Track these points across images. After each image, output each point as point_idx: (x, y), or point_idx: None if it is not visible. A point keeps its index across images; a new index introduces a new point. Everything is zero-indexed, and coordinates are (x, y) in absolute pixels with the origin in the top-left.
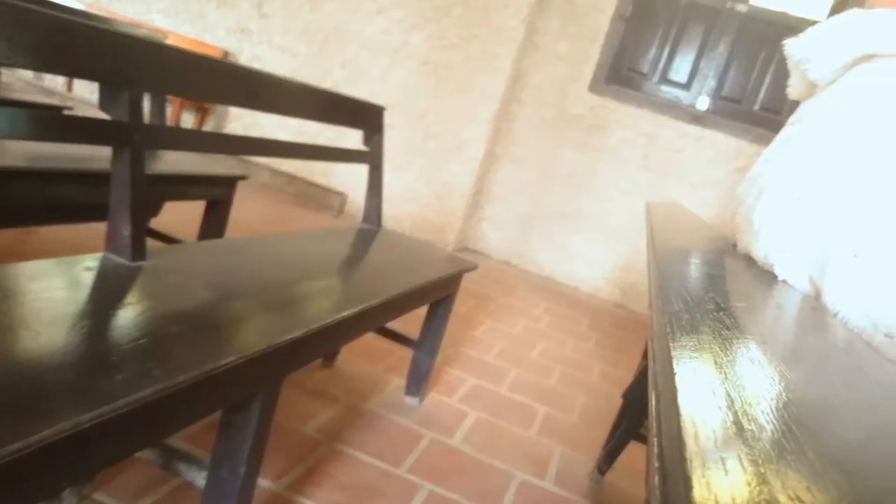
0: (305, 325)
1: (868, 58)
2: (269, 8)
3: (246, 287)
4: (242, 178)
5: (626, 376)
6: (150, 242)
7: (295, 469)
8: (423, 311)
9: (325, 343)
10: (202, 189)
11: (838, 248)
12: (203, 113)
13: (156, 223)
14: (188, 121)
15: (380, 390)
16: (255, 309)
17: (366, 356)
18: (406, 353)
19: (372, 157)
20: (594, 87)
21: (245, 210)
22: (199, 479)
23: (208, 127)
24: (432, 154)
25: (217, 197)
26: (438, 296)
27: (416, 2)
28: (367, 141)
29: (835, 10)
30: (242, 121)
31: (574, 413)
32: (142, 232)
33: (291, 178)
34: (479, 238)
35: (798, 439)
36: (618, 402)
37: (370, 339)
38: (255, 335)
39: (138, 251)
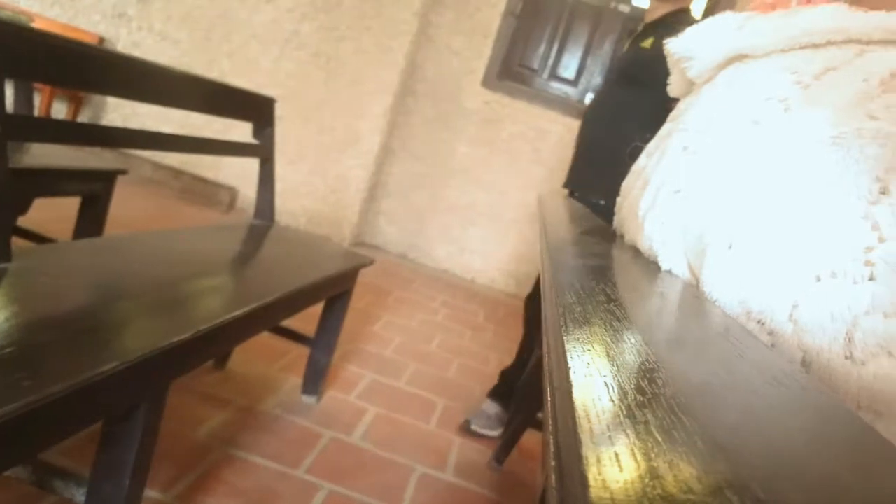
0: (193, 327)
1: (740, 58)
2: None
3: (127, 288)
4: (122, 172)
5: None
6: (19, 242)
7: (186, 477)
8: (319, 308)
9: (215, 345)
10: (76, 184)
11: (714, 239)
12: (77, 103)
13: (24, 221)
14: (60, 111)
15: (275, 391)
16: (137, 311)
17: (260, 356)
18: (302, 352)
19: (263, 150)
20: (487, 83)
21: (126, 206)
22: (79, 495)
23: (83, 118)
24: (326, 147)
25: (94, 192)
26: (334, 292)
27: None
28: (257, 133)
29: (708, 13)
30: (121, 111)
31: (472, 404)
32: (7, 231)
33: (177, 173)
34: (375, 232)
35: (687, 429)
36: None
37: (264, 338)
38: (137, 339)
39: (3, 252)
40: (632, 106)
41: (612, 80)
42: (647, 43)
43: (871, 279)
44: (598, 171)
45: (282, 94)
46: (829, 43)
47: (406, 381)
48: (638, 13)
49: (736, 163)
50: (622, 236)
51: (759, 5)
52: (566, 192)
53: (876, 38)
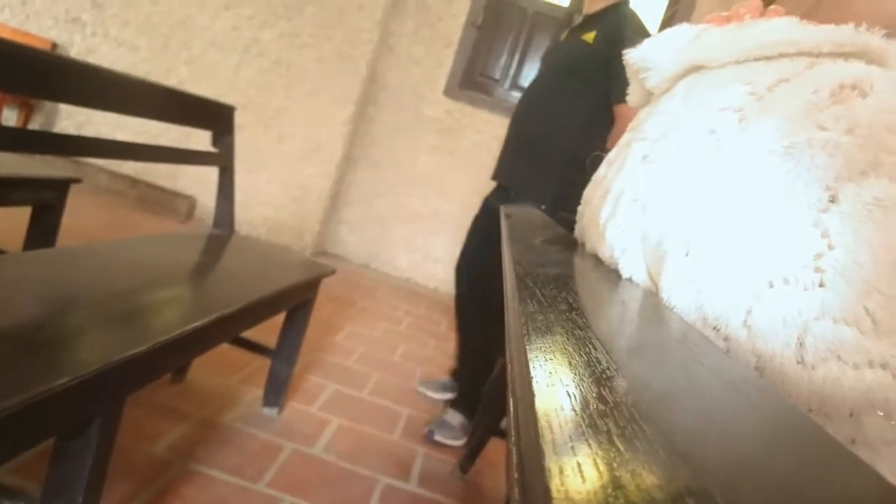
0: (150, 339)
1: (697, 69)
2: None
3: (81, 300)
4: (76, 181)
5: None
6: None
7: (142, 493)
8: (280, 318)
9: (173, 357)
10: (27, 193)
11: (672, 247)
12: (28, 110)
13: None
14: (10, 118)
15: (235, 403)
16: (91, 324)
17: (220, 368)
18: (263, 363)
19: (222, 158)
20: (449, 92)
21: (79, 216)
22: None
23: (35, 125)
24: (287, 156)
25: (45, 202)
26: (296, 302)
27: None
28: (216, 142)
29: (665, 25)
30: (74, 119)
31: (436, 414)
32: None
33: (133, 182)
34: (337, 241)
35: (648, 437)
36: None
37: (224, 350)
38: (91, 352)
39: None
40: (575, 100)
41: (552, 73)
42: (590, 37)
43: (821, 285)
44: (541, 173)
45: (242, 102)
46: (782, 55)
47: (369, 392)
48: None
49: (693, 172)
50: (583, 245)
51: (714, 18)
52: (495, 184)
53: (825, 51)
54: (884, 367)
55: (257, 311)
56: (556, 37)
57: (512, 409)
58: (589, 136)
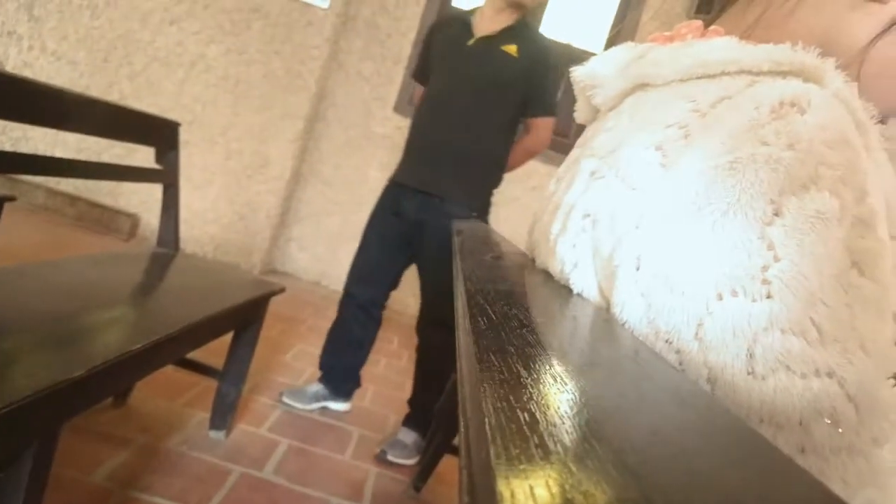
0: (88, 363)
1: (642, 86)
2: (42, 10)
3: (15, 322)
4: (10, 199)
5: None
6: None
7: None
8: (227, 338)
9: (113, 381)
10: None
11: (623, 261)
12: None
13: None
14: None
15: (180, 427)
16: (25, 347)
17: (164, 391)
18: (210, 385)
19: (166, 175)
20: (399, 108)
21: (14, 236)
22: None
23: None
24: (235, 173)
25: None
26: (244, 321)
27: (213, 14)
28: (159, 158)
29: (610, 43)
30: (10, 135)
31: (388, 432)
32: None
33: (72, 199)
34: (287, 259)
35: (600, 456)
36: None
37: (169, 372)
38: (24, 378)
39: None
40: (497, 111)
41: (473, 82)
42: (512, 49)
43: (768, 297)
44: (471, 181)
45: (187, 118)
46: (723, 73)
47: (320, 412)
48: None
49: (641, 186)
50: (534, 260)
51: (658, 37)
52: (415, 188)
53: (765, 69)
54: (830, 375)
55: (203, 331)
56: (455, 38)
57: (463, 430)
58: (507, 147)
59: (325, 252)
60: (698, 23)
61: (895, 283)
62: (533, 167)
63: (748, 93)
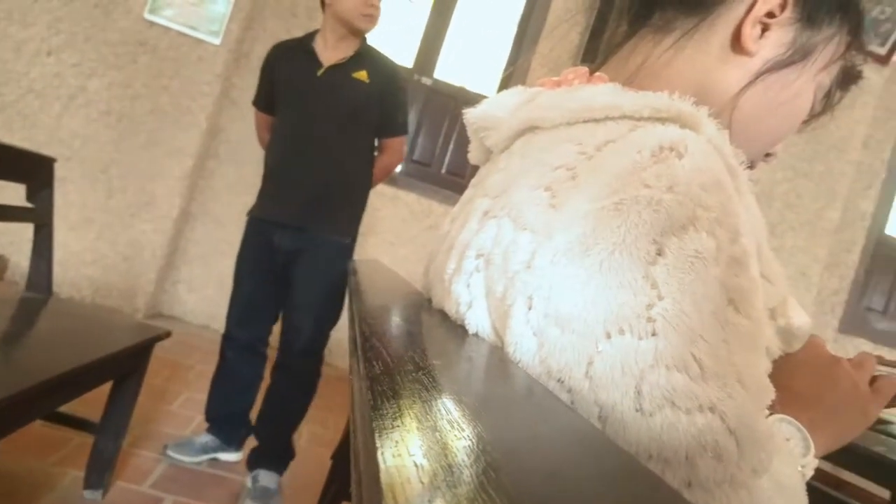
0: None
1: (532, 129)
2: None
3: None
4: None
5: (335, 436)
6: None
7: None
8: (106, 388)
9: None
10: None
11: (515, 301)
12: None
13: None
14: None
15: (51, 488)
16: None
17: (32, 449)
18: (85, 440)
19: (38, 214)
20: None
21: None
22: None
23: None
24: (117, 212)
25: None
26: (124, 369)
27: (96, 46)
28: (31, 196)
29: (503, 84)
30: None
31: (283, 481)
32: None
33: None
34: (174, 302)
35: None
36: (327, 464)
37: (37, 428)
38: None
39: None
40: (358, 139)
41: (331, 113)
42: (363, 75)
43: (653, 334)
44: (342, 212)
45: (65, 154)
46: (607, 118)
47: (208, 464)
48: (440, 86)
49: (532, 226)
50: (430, 300)
51: (546, 82)
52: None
53: (645, 115)
54: (712, 410)
55: (75, 381)
56: (302, 68)
57: (355, 484)
58: (370, 169)
59: (216, 294)
60: (584, 69)
61: (766, 320)
62: (429, 206)
63: (630, 137)
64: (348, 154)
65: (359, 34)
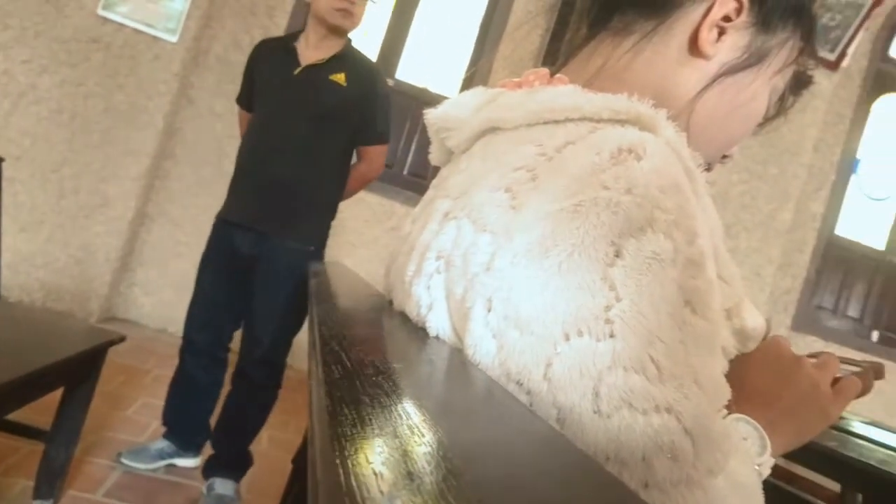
0: None
1: (493, 130)
2: None
3: None
4: None
5: (296, 440)
6: None
7: None
8: (57, 395)
9: None
10: None
11: (474, 303)
12: None
13: None
14: None
15: None
16: None
17: None
18: (35, 448)
19: None
20: None
21: None
22: None
23: None
24: (69, 213)
25: None
26: (76, 375)
27: (47, 42)
28: None
29: (465, 84)
30: None
31: (242, 486)
32: None
33: None
34: (129, 305)
35: None
36: (288, 468)
37: None
38: None
39: None
40: (330, 142)
41: (302, 114)
42: (340, 78)
43: (611, 336)
44: (307, 216)
45: (14, 153)
46: (567, 119)
47: (165, 470)
48: (402, 87)
49: (492, 228)
50: (391, 302)
51: (507, 84)
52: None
53: (605, 117)
54: (668, 410)
55: (25, 388)
56: (280, 66)
57: (312, 492)
58: (343, 177)
59: (173, 297)
60: (545, 71)
61: (723, 320)
62: (391, 207)
63: (590, 139)
64: (319, 158)
65: (339, 33)
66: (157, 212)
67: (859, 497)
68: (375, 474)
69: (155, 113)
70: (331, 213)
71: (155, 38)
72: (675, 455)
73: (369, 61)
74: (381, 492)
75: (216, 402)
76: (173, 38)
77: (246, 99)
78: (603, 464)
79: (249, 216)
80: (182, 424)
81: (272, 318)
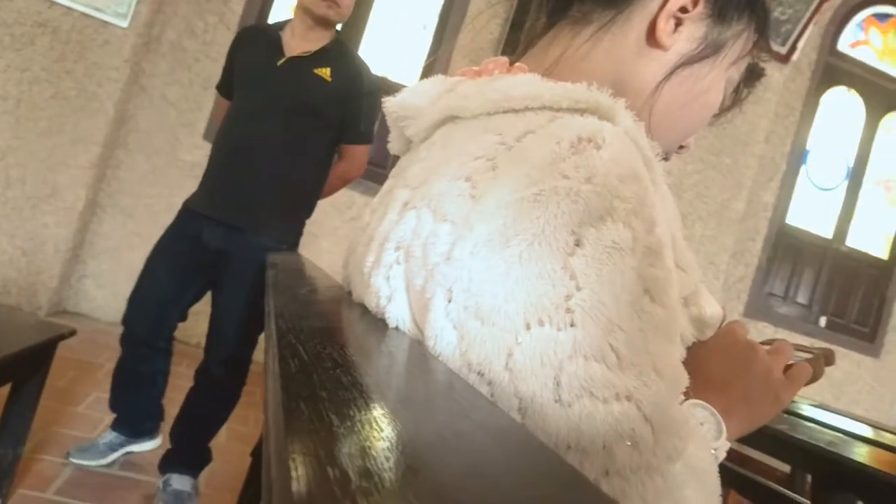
0: None
1: (452, 118)
2: None
3: None
4: None
5: (256, 432)
6: None
7: None
8: (3, 392)
9: None
10: None
11: (435, 293)
12: None
13: None
14: None
15: None
16: None
17: None
18: None
19: None
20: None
21: None
22: None
23: None
24: (15, 203)
25: None
26: (23, 371)
27: None
28: None
29: (425, 73)
30: None
31: (201, 480)
32: None
33: None
34: (81, 298)
35: None
36: (247, 461)
37: None
38: None
39: None
40: (311, 138)
41: (283, 106)
42: (325, 73)
43: (571, 325)
44: (283, 213)
45: None
46: (527, 108)
47: (120, 465)
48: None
49: (452, 217)
50: (350, 293)
51: (467, 72)
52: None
53: (564, 106)
54: (628, 398)
55: None
56: (264, 55)
57: (266, 491)
58: (322, 174)
59: (127, 289)
60: (504, 59)
61: (680, 308)
62: (350, 197)
63: (550, 128)
64: (297, 154)
65: (326, 25)
66: (108, 202)
67: (808, 477)
68: (332, 472)
69: (105, 100)
70: (307, 211)
71: (104, 22)
72: (636, 442)
73: (358, 57)
74: (336, 491)
75: (164, 388)
76: (124, 23)
77: (226, 86)
78: (564, 452)
79: (222, 210)
80: (130, 412)
81: (238, 318)
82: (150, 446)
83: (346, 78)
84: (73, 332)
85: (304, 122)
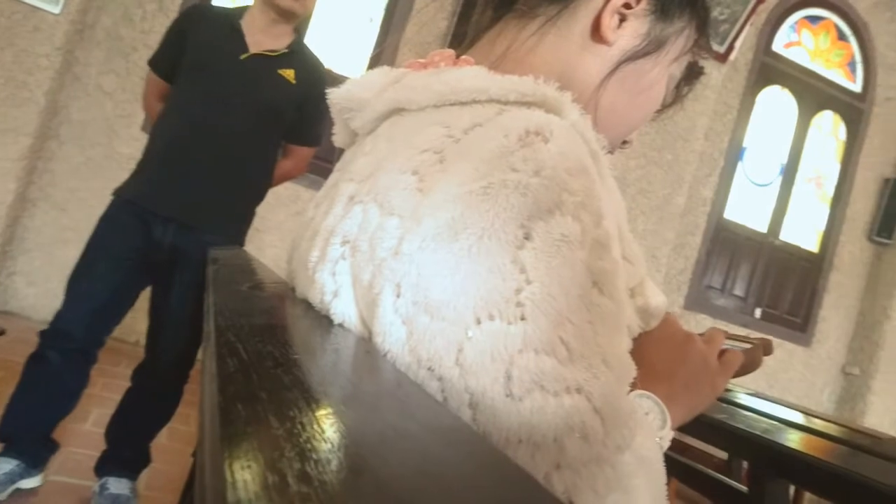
0: None
1: (399, 111)
2: None
3: None
4: None
5: (197, 432)
6: None
7: None
8: None
9: None
10: None
11: (382, 288)
12: None
13: None
14: None
15: None
16: None
17: None
18: None
19: None
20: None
21: None
22: None
23: None
24: None
25: None
26: None
27: None
28: None
29: (371, 64)
30: None
31: (141, 482)
32: None
33: None
34: (10, 296)
35: None
36: (189, 461)
37: None
38: None
39: None
40: (268, 138)
41: (245, 105)
42: (290, 74)
43: (522, 319)
44: (237, 213)
45: None
46: (474, 101)
47: (54, 471)
48: None
49: (399, 211)
50: (294, 289)
51: (413, 64)
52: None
53: (512, 99)
54: (579, 391)
55: None
56: (224, 45)
57: (200, 500)
58: (272, 172)
59: (60, 287)
60: (450, 52)
61: (627, 300)
62: (296, 191)
63: (498, 121)
64: (254, 153)
65: (289, 19)
66: (40, 196)
67: (744, 463)
68: (269, 477)
69: (35, 89)
70: (255, 208)
71: (34, 7)
72: (586, 434)
73: (318, 60)
74: (272, 499)
75: (75, 407)
76: (55, 10)
77: (166, 65)
78: (516, 447)
79: (176, 207)
80: (31, 435)
81: (190, 317)
82: (35, 483)
83: (308, 83)
84: (2, 332)
85: (263, 121)
